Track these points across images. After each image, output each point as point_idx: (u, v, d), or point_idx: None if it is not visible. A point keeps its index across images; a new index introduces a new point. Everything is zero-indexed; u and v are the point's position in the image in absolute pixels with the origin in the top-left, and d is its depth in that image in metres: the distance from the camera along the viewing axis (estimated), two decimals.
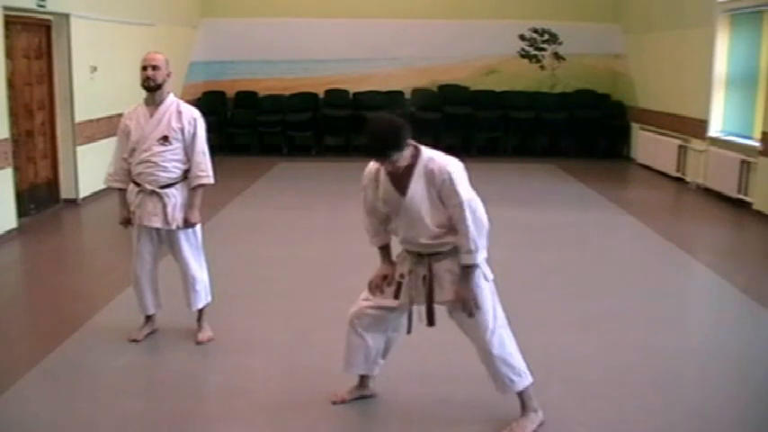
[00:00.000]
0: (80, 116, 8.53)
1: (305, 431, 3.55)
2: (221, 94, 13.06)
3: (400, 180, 3.31)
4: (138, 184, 4.38)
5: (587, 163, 11.94)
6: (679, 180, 10.41)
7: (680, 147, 10.41)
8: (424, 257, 3.41)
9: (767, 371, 4.32)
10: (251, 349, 4.48)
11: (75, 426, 3.58)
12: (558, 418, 3.60)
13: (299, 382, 4.01)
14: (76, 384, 4.03)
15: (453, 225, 3.29)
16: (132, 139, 4.35)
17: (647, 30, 11.97)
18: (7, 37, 7.18)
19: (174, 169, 4.37)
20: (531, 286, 5.73)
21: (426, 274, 3.39)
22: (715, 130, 9.71)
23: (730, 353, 4.57)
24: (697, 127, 10.00)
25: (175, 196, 4.37)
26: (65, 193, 8.51)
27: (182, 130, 4.34)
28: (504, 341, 3.43)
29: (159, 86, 4.33)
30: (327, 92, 13.06)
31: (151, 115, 4.36)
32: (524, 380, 3.47)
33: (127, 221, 4.50)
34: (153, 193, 4.34)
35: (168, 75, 4.38)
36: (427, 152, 3.33)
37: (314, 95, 13.00)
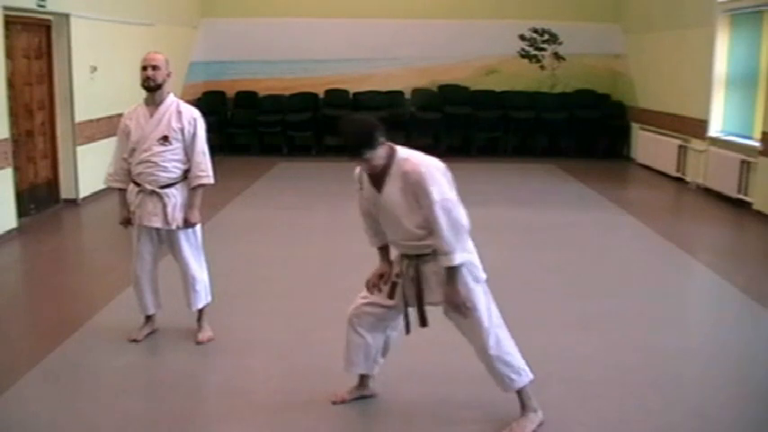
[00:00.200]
0: (80, 116, 8.53)
1: (305, 431, 3.55)
2: (221, 94, 13.06)
3: (378, 180, 3.35)
4: (138, 184, 4.38)
5: (587, 163, 11.93)
6: (679, 180, 10.41)
7: (680, 147, 10.41)
8: (412, 258, 3.42)
9: (767, 371, 4.32)
10: (251, 349, 4.48)
11: (76, 426, 3.58)
12: (558, 418, 3.60)
13: (299, 382, 4.01)
14: (76, 384, 4.03)
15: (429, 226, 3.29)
16: (132, 139, 4.35)
17: (647, 30, 11.97)
18: (7, 37, 7.18)
19: (173, 169, 4.37)
20: (531, 286, 5.73)
21: (414, 276, 3.40)
22: (715, 130, 9.71)
23: (730, 353, 4.57)
24: (697, 127, 10.00)
25: (175, 196, 4.37)
26: (65, 193, 8.51)
27: (182, 130, 4.34)
28: (500, 340, 3.43)
29: (159, 86, 4.33)
30: (327, 92, 13.06)
31: (151, 115, 4.36)
32: (524, 378, 3.47)
33: (127, 221, 4.50)
34: (153, 193, 4.34)
35: (168, 75, 4.38)
36: (403, 152, 3.35)
37: (314, 95, 13.01)
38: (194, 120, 4.39)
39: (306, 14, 12.97)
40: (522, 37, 13.20)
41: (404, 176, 3.27)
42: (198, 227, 4.52)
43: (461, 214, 3.26)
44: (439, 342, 3.91)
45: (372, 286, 3.54)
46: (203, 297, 4.60)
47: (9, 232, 7.06)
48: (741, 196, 8.70)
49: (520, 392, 3.50)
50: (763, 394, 4.05)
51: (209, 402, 3.92)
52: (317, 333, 4.60)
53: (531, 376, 3.49)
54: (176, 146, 4.34)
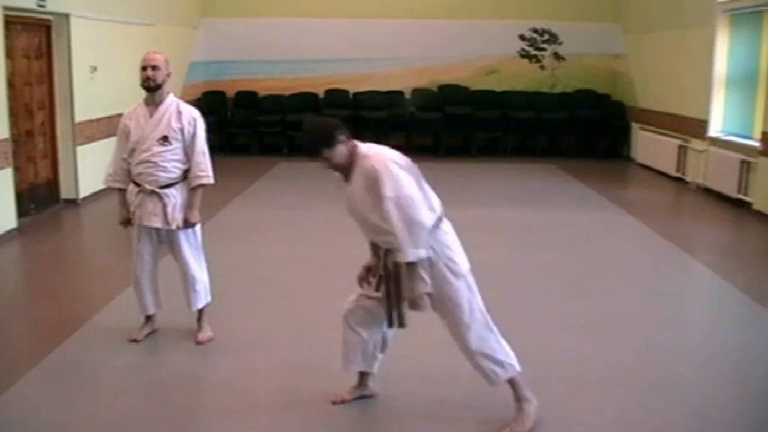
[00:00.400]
0: (80, 116, 8.53)
1: (305, 430, 3.55)
2: (221, 94, 13.06)
3: (346, 178, 3.43)
4: (137, 185, 4.38)
5: (587, 163, 11.94)
6: (679, 180, 10.41)
7: (680, 147, 10.41)
8: (386, 253, 3.41)
9: (767, 371, 4.32)
10: (251, 349, 4.48)
11: (76, 425, 3.58)
12: (558, 418, 3.60)
13: (299, 381, 4.01)
14: (77, 384, 4.03)
15: None
16: (132, 140, 4.35)
17: (647, 30, 11.97)
18: (7, 37, 7.18)
19: (173, 169, 4.37)
20: (531, 286, 5.74)
21: (391, 269, 3.41)
22: (715, 130, 9.71)
23: (730, 353, 4.57)
24: (697, 127, 10.00)
25: (175, 196, 4.37)
26: (65, 193, 8.51)
27: (181, 130, 4.34)
28: (482, 336, 3.44)
29: (159, 86, 4.33)
30: (327, 92, 13.06)
31: (151, 115, 4.36)
32: (509, 371, 3.47)
33: (127, 221, 4.50)
34: (153, 193, 4.34)
35: (168, 75, 4.38)
36: (365, 149, 3.40)
37: (314, 95, 13.01)
38: (194, 120, 4.39)
39: (306, 14, 12.98)
40: (522, 37, 13.20)
41: (365, 173, 3.33)
42: (198, 227, 4.52)
43: (417, 211, 3.25)
44: (439, 342, 3.90)
45: (361, 279, 3.59)
46: (203, 297, 4.60)
47: (9, 232, 7.06)
48: (741, 196, 8.70)
49: (512, 383, 3.50)
50: (763, 394, 4.05)
51: (209, 402, 3.92)
52: (317, 333, 4.60)
53: (518, 369, 3.49)
54: (176, 146, 4.34)
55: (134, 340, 4.53)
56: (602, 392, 3.93)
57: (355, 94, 13.06)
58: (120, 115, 4.57)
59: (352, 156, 3.38)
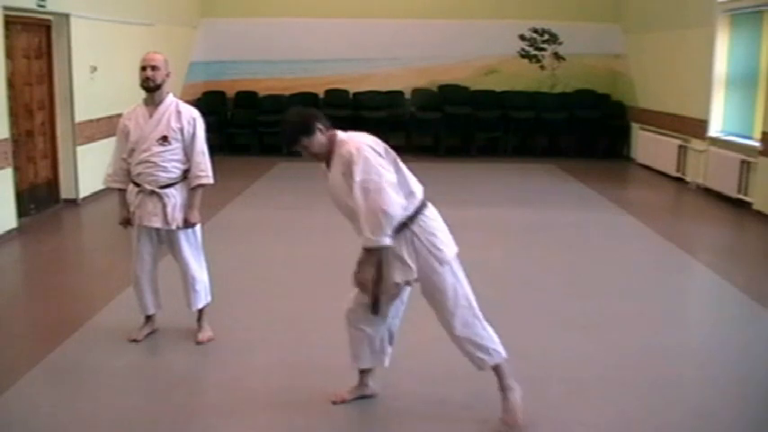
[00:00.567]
0: (80, 116, 8.53)
1: (305, 430, 3.55)
2: (221, 94, 13.06)
3: (327, 166, 3.48)
4: (137, 185, 4.38)
5: (587, 163, 11.93)
6: (679, 180, 10.41)
7: (680, 147, 10.41)
8: None
9: (767, 371, 4.32)
10: (251, 349, 4.48)
11: (76, 425, 3.58)
12: (558, 418, 3.60)
13: (299, 381, 4.01)
14: (77, 384, 4.03)
15: None
16: (131, 140, 4.35)
17: (647, 30, 11.97)
18: (7, 37, 7.18)
19: (173, 169, 4.37)
20: (531, 286, 5.73)
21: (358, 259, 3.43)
22: (715, 130, 9.70)
23: (730, 353, 4.57)
24: (697, 127, 10.00)
25: (175, 196, 4.37)
26: (65, 193, 8.51)
27: (181, 130, 4.34)
28: (468, 322, 3.46)
29: (158, 87, 4.33)
30: (327, 92, 13.06)
31: (150, 115, 4.36)
32: (495, 358, 3.48)
33: (126, 222, 4.50)
34: (153, 193, 4.33)
35: (167, 75, 4.39)
36: (342, 136, 3.45)
37: (314, 95, 13.00)
38: (194, 120, 4.39)
39: (306, 14, 12.97)
40: (522, 37, 13.20)
41: (341, 159, 3.36)
42: (198, 227, 4.52)
43: (386, 199, 3.23)
44: (439, 342, 3.90)
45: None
46: (203, 297, 4.60)
47: (9, 232, 7.06)
48: (741, 196, 8.70)
49: (497, 371, 3.51)
50: (763, 394, 4.05)
51: (209, 402, 3.92)
52: (317, 333, 4.60)
53: (504, 355, 3.49)
54: (176, 146, 4.34)
55: (134, 340, 4.53)
56: (602, 392, 3.93)
57: (355, 94, 13.06)
58: (119, 115, 4.57)
59: (331, 144, 3.43)
